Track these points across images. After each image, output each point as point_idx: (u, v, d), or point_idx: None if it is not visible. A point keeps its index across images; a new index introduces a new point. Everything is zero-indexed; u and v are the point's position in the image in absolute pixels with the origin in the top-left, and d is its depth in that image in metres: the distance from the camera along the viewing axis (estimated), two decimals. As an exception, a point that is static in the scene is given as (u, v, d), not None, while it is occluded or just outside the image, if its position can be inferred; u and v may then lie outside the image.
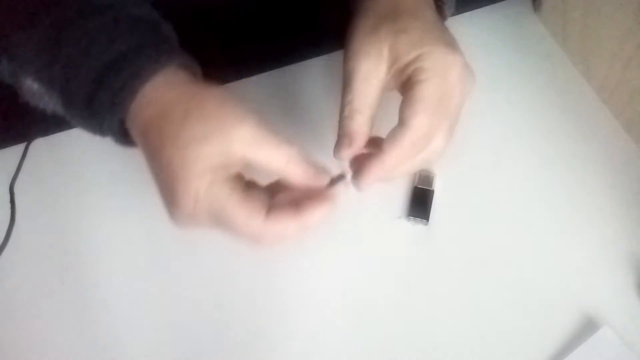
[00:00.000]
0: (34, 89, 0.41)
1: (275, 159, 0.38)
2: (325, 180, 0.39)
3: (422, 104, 0.38)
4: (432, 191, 0.48)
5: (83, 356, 0.43)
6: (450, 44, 0.40)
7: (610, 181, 0.48)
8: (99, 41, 0.38)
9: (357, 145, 0.41)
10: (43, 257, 0.47)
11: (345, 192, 0.48)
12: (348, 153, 0.41)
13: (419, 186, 0.48)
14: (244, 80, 0.54)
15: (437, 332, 0.43)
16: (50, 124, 0.52)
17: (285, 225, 0.37)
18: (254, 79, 0.54)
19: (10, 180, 0.50)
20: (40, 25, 0.39)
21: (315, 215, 0.38)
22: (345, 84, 0.41)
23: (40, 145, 0.52)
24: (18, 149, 0.51)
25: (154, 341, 0.43)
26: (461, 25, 0.55)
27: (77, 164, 0.51)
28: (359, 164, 0.41)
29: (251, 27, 0.59)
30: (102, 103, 0.38)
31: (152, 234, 0.47)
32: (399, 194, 0.48)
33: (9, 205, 0.49)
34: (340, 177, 0.41)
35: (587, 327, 0.42)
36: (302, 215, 0.37)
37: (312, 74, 0.54)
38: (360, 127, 0.40)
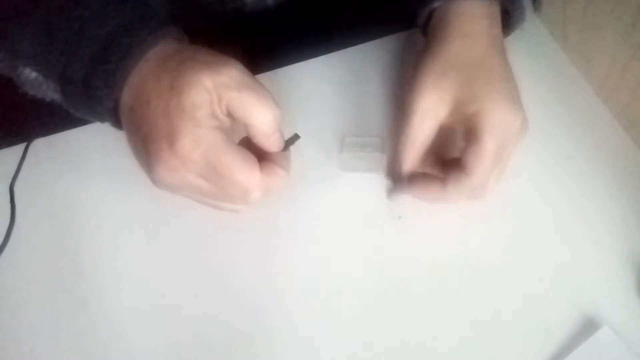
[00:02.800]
0: (31, 78, 0.42)
1: (260, 108, 0.39)
2: (282, 144, 0.42)
3: (486, 156, 0.41)
4: None
5: (83, 356, 0.43)
6: (513, 98, 0.43)
7: (610, 181, 0.48)
8: (90, 25, 0.40)
9: (405, 171, 0.45)
10: (43, 257, 0.47)
11: (348, 193, 0.49)
12: (397, 176, 0.46)
13: None
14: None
15: (437, 332, 0.43)
16: (50, 124, 0.52)
17: (277, 178, 0.41)
18: (264, 75, 0.54)
19: (10, 180, 0.50)
20: (34, 14, 0.40)
21: (286, 166, 0.42)
22: (404, 116, 0.44)
23: (40, 145, 0.52)
24: (18, 149, 0.51)
25: (154, 341, 0.43)
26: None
27: (77, 164, 0.51)
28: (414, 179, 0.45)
29: (252, 27, 0.59)
30: (97, 85, 0.40)
31: (153, 234, 0.47)
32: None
33: (9, 205, 0.49)
34: (296, 137, 0.44)
35: (587, 327, 0.42)
36: (285, 169, 0.42)
37: (312, 74, 0.54)
38: (413, 156, 0.44)
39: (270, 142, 0.41)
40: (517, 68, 0.46)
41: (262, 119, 0.39)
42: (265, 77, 0.54)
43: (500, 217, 0.47)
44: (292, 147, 0.44)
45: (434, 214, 0.47)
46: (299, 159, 0.49)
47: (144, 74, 0.40)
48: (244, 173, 0.39)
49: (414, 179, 0.45)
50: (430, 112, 0.43)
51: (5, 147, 0.52)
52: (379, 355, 0.42)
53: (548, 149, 0.50)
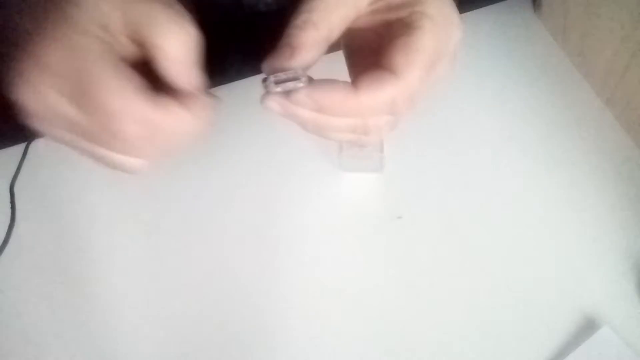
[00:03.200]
0: None
1: (172, 25, 0.30)
2: (197, 81, 0.32)
3: (421, 57, 0.31)
4: None
5: (83, 355, 0.43)
6: (452, 2, 0.34)
7: (610, 181, 0.48)
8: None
9: (297, 62, 0.32)
10: (43, 257, 0.47)
11: (346, 191, 0.49)
12: (283, 66, 0.32)
13: None
14: (245, 80, 0.54)
15: (436, 332, 0.43)
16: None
17: (172, 116, 0.30)
18: (255, 78, 0.54)
19: (10, 180, 0.50)
20: None
21: (202, 107, 0.31)
22: None
23: (40, 145, 0.52)
24: (18, 149, 0.51)
25: (155, 341, 0.43)
26: (461, 25, 0.55)
27: (77, 164, 0.51)
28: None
29: (254, 27, 0.59)
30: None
31: (152, 234, 0.48)
32: (399, 193, 0.48)
33: (9, 205, 0.49)
34: (217, 98, 0.33)
35: (587, 327, 0.42)
36: (188, 106, 0.30)
37: (312, 74, 0.54)
38: (311, 42, 0.32)
39: (178, 71, 0.31)
40: (517, 68, 0.46)
41: (173, 38, 0.30)
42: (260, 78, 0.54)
43: (500, 217, 0.47)
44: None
45: (434, 214, 0.47)
46: (299, 159, 0.49)
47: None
48: (117, 94, 0.29)
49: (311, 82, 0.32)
50: None
51: (5, 147, 0.52)
52: (378, 354, 0.42)
53: (548, 149, 0.50)
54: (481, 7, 0.57)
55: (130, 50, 0.31)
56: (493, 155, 0.50)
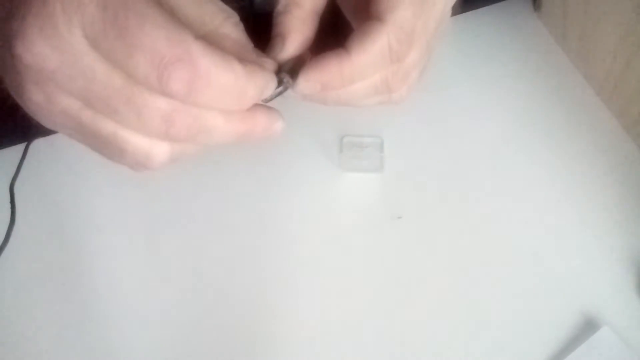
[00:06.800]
0: None
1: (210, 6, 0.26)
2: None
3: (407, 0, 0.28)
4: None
5: (83, 355, 0.43)
6: None
7: (610, 181, 0.48)
8: None
9: (291, 47, 0.30)
10: (43, 257, 0.47)
11: (341, 188, 0.48)
12: (277, 57, 0.30)
13: None
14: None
15: (436, 332, 0.43)
16: (50, 124, 0.52)
17: (254, 71, 0.26)
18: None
19: (10, 180, 0.50)
20: None
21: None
22: None
23: (40, 145, 0.52)
24: (18, 149, 0.51)
25: (155, 341, 0.43)
26: (461, 25, 0.55)
27: (77, 164, 0.51)
28: (300, 62, 0.30)
29: (256, 26, 0.59)
30: None
31: (152, 234, 0.48)
32: (399, 193, 0.48)
33: (9, 205, 0.49)
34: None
35: (587, 327, 0.42)
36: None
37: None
38: (298, 23, 0.30)
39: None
40: (517, 68, 0.46)
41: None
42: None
43: (500, 217, 0.47)
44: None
45: (434, 214, 0.47)
46: (299, 159, 0.49)
47: None
48: (167, 35, 0.22)
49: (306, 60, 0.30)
50: None
51: (5, 147, 0.52)
52: (378, 354, 0.42)
53: (547, 149, 0.50)
54: (481, 7, 0.57)
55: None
56: (493, 155, 0.50)
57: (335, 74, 0.29)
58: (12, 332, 0.44)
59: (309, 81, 0.29)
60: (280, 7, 0.30)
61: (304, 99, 0.31)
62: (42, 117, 0.26)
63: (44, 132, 0.52)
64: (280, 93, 0.29)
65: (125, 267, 0.46)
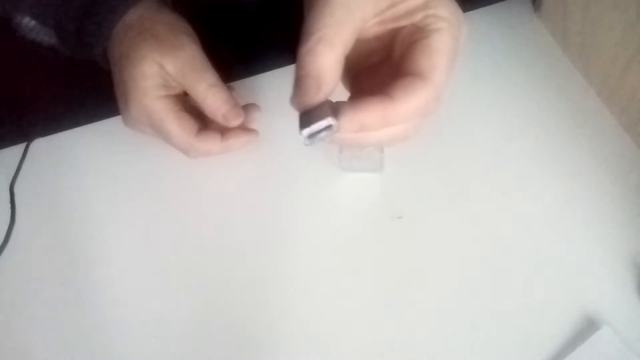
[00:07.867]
0: (30, 26, 0.48)
1: (199, 83, 0.44)
2: (239, 120, 0.46)
3: (444, 57, 0.32)
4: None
5: (83, 355, 0.43)
6: None
7: (610, 181, 0.48)
8: None
9: (327, 90, 0.31)
10: (43, 257, 0.47)
11: (343, 188, 0.49)
12: (313, 100, 0.31)
13: None
14: (252, 77, 0.54)
15: (436, 331, 0.43)
16: (50, 124, 0.52)
17: (209, 145, 0.46)
18: (263, 76, 0.54)
19: (10, 180, 0.50)
20: None
21: (235, 143, 0.47)
22: (312, 8, 0.31)
23: (40, 145, 0.52)
24: (18, 149, 0.51)
25: (155, 342, 0.43)
26: (461, 25, 0.55)
27: (77, 164, 0.51)
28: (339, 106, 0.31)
29: (259, 25, 0.59)
30: (87, 35, 0.45)
31: (153, 234, 0.48)
32: (399, 193, 0.48)
33: (9, 205, 0.49)
34: (253, 106, 0.48)
35: (587, 327, 0.42)
36: (225, 140, 0.46)
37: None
38: (331, 65, 0.31)
39: (218, 118, 0.46)
40: (517, 68, 0.46)
41: (209, 102, 0.45)
42: (263, 77, 0.54)
43: (500, 217, 0.47)
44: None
45: (434, 214, 0.47)
46: (299, 159, 0.49)
47: (118, 31, 0.45)
48: (179, 138, 0.45)
49: (348, 103, 0.32)
50: (353, 3, 0.31)
51: (5, 147, 0.52)
52: (378, 354, 0.42)
53: (547, 149, 0.50)
54: (481, 7, 0.57)
55: (180, 89, 0.46)
56: (493, 155, 0.50)
57: (378, 117, 0.31)
58: (12, 332, 0.44)
59: (351, 122, 0.31)
60: (311, 43, 0.30)
61: (333, 140, 0.32)
62: (124, 119, 0.47)
63: (44, 132, 0.52)
64: (328, 136, 0.31)
65: (125, 267, 0.46)
